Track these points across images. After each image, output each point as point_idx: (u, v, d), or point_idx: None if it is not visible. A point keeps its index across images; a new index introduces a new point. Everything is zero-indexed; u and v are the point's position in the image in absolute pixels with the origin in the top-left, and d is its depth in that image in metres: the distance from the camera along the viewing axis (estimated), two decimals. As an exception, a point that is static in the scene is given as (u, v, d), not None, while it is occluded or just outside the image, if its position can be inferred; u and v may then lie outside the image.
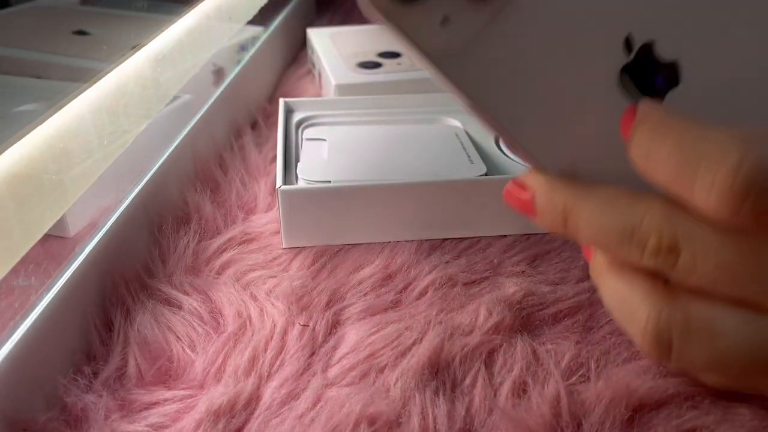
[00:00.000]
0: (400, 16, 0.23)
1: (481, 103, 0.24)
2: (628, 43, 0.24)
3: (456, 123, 0.45)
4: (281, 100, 0.47)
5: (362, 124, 0.46)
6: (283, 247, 0.38)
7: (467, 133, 0.44)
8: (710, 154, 0.21)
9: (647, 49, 0.25)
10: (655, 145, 0.23)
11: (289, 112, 0.47)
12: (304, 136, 0.44)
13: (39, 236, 0.28)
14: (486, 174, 0.38)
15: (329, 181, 0.37)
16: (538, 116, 0.25)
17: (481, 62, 0.24)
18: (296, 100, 0.48)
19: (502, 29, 0.23)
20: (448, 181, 0.37)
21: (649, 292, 0.24)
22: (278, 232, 0.38)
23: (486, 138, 0.44)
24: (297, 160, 0.40)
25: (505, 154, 0.42)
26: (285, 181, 0.37)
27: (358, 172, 0.39)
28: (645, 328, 0.24)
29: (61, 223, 0.36)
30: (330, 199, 0.37)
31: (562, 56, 0.24)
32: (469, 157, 0.41)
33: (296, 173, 0.38)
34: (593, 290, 0.34)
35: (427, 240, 0.38)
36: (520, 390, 0.28)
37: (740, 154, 0.20)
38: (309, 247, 0.37)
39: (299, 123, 0.46)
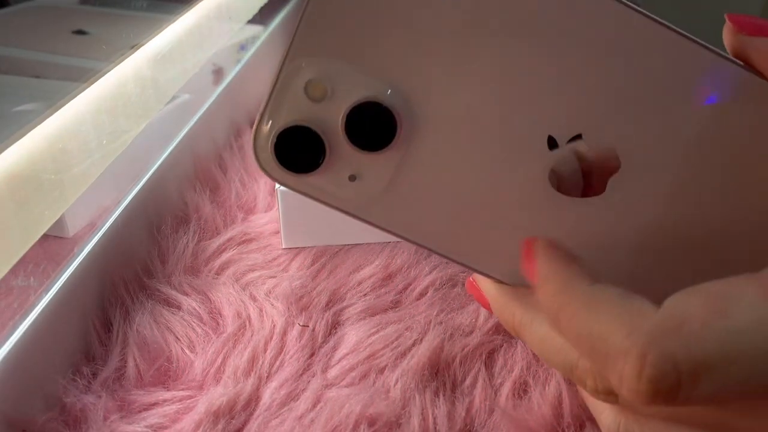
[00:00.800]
0: (300, 183, 0.22)
1: (415, 239, 0.23)
2: (551, 142, 0.22)
3: None
4: None
5: None
6: (283, 247, 0.38)
7: None
8: (614, 347, 0.19)
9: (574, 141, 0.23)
10: (562, 316, 0.21)
11: None
12: None
13: (38, 236, 0.28)
14: None
15: None
16: (476, 233, 0.23)
17: (403, 200, 0.22)
18: None
19: (417, 161, 0.22)
20: None
21: (606, 406, 0.23)
22: (278, 232, 0.38)
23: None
24: None
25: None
26: None
27: None
28: None
29: (59, 224, 0.36)
30: None
31: (486, 169, 0.22)
32: None
33: None
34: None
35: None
36: (521, 390, 0.28)
37: (641, 351, 0.18)
38: (308, 247, 0.37)
39: None
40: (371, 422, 0.26)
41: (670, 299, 0.19)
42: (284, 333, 0.31)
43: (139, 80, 0.37)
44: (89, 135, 0.32)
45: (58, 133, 0.30)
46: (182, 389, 0.28)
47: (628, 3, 0.21)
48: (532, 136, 0.22)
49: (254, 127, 0.21)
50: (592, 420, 0.27)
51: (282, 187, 0.36)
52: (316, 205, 0.28)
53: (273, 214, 0.40)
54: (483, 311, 0.32)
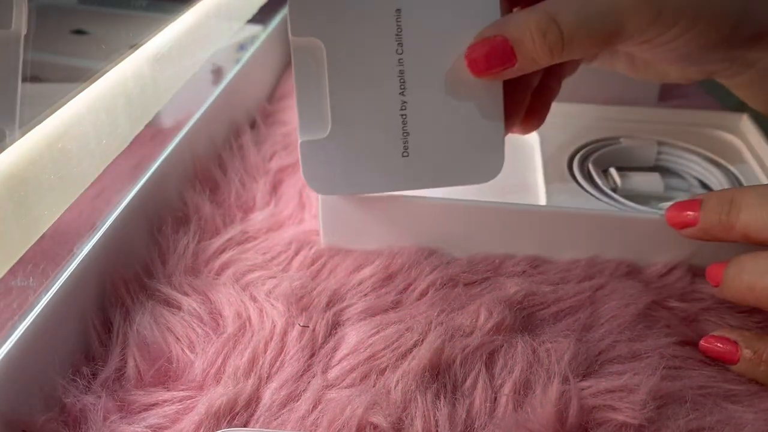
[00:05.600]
0: None
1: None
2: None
3: (531, 138, 0.45)
4: None
5: None
6: (323, 245, 0.37)
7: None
8: None
9: None
10: None
11: None
12: None
13: (37, 236, 0.28)
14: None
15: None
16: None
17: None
18: None
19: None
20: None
21: None
22: (277, 232, 0.38)
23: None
24: None
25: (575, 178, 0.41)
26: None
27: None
28: None
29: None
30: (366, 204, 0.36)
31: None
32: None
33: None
34: (594, 289, 0.34)
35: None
36: (521, 391, 0.28)
37: None
38: (308, 245, 0.37)
39: None
40: (372, 424, 0.26)
41: None
42: (284, 333, 0.31)
43: (139, 80, 0.37)
44: (89, 135, 0.32)
45: (57, 133, 0.30)
46: (182, 390, 0.28)
47: None
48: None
49: None
50: (595, 421, 0.27)
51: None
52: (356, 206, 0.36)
53: (272, 213, 0.40)
54: (483, 311, 0.32)
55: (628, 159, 0.43)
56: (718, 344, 0.30)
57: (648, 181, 0.41)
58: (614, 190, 0.40)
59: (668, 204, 0.36)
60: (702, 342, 0.31)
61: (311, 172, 0.33)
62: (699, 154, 0.43)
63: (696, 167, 0.43)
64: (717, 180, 0.41)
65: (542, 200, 0.39)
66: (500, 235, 0.36)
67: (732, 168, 0.42)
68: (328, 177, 0.34)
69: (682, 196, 0.40)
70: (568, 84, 0.55)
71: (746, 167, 0.42)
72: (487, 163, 0.34)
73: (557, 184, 0.40)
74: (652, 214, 0.35)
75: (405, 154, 0.33)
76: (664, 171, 0.43)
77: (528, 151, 0.45)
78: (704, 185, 0.42)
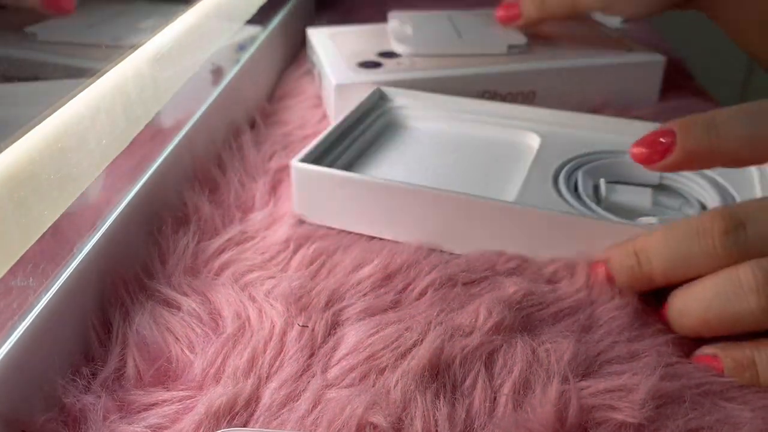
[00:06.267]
0: None
1: None
2: None
3: (533, 143, 0.45)
4: (379, 89, 0.50)
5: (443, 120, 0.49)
6: (295, 210, 0.40)
7: (540, 153, 0.43)
8: None
9: None
10: None
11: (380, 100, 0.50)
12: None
13: (37, 237, 0.28)
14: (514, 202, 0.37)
15: None
16: None
17: None
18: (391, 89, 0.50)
19: None
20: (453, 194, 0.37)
21: None
22: (277, 232, 0.38)
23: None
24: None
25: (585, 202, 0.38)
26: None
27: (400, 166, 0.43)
28: None
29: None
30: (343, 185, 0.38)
31: None
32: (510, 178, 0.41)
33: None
34: (594, 289, 0.34)
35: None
36: (521, 391, 0.28)
37: None
38: (307, 245, 0.37)
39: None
40: (372, 424, 0.26)
41: None
42: (284, 333, 0.31)
43: (138, 80, 0.37)
44: (89, 135, 0.32)
45: (57, 133, 0.30)
46: (182, 389, 0.28)
47: None
48: None
49: None
50: (595, 421, 0.27)
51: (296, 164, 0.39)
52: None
53: (272, 213, 0.40)
54: (483, 311, 0.32)
55: (627, 174, 0.41)
56: (703, 361, 0.30)
57: (635, 195, 0.39)
58: (599, 201, 0.39)
59: (648, 218, 0.36)
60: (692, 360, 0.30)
61: None
62: (707, 178, 0.40)
63: (701, 191, 0.40)
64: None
65: (512, 198, 0.38)
66: (465, 226, 0.37)
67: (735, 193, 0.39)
68: None
69: (671, 215, 0.38)
70: (570, 86, 0.55)
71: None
72: None
73: (536, 185, 0.39)
74: (605, 220, 0.35)
75: None
76: (666, 190, 0.41)
77: (526, 152, 0.45)
78: (705, 208, 0.39)
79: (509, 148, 0.45)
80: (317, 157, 0.41)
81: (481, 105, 0.49)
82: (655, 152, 0.32)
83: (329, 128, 0.44)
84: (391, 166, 0.43)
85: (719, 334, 0.30)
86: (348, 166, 0.43)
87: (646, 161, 0.32)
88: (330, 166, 0.40)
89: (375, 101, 0.49)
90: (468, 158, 0.44)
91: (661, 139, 0.32)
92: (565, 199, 0.38)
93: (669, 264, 0.30)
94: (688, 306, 0.30)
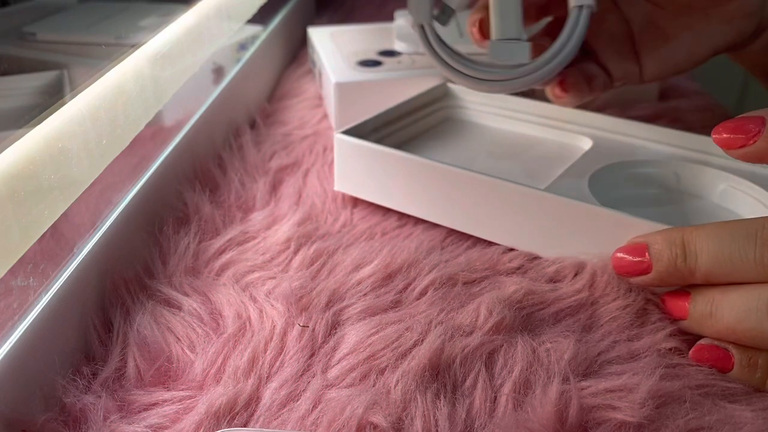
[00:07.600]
0: None
1: None
2: None
3: (584, 146, 0.45)
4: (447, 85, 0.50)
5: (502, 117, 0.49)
6: (335, 189, 0.42)
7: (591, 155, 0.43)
8: None
9: None
10: None
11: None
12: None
13: (38, 236, 0.28)
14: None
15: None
16: None
17: None
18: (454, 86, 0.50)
19: None
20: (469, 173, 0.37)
21: None
22: (277, 232, 0.38)
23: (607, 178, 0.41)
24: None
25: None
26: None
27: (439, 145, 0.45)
28: None
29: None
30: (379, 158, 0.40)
31: None
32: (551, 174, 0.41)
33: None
34: (593, 288, 0.34)
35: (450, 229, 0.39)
36: (521, 391, 0.28)
37: None
38: (307, 245, 0.37)
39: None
40: (372, 424, 0.26)
41: None
42: (284, 333, 0.31)
43: (139, 79, 0.37)
44: (89, 135, 0.32)
45: (57, 133, 0.30)
46: (182, 389, 0.28)
47: None
48: None
49: None
50: (595, 420, 0.27)
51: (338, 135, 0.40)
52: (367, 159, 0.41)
53: (272, 213, 0.40)
54: (483, 311, 0.32)
55: (659, 183, 0.41)
56: (709, 354, 0.29)
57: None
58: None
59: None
60: (692, 352, 0.30)
61: None
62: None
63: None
64: None
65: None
66: (491, 210, 0.37)
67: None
68: None
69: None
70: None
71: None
72: None
73: (570, 180, 0.39)
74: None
75: None
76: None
77: (576, 154, 0.44)
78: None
79: (560, 148, 0.45)
80: (363, 133, 0.42)
81: (541, 108, 0.48)
82: (737, 138, 0.29)
83: (381, 110, 0.44)
84: (436, 152, 0.45)
85: (742, 344, 0.29)
86: (393, 147, 0.42)
87: (728, 145, 0.30)
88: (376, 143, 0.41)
89: (437, 95, 0.50)
90: (515, 154, 0.45)
91: (750, 125, 0.29)
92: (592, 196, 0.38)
93: (716, 264, 0.28)
94: (721, 311, 0.29)
